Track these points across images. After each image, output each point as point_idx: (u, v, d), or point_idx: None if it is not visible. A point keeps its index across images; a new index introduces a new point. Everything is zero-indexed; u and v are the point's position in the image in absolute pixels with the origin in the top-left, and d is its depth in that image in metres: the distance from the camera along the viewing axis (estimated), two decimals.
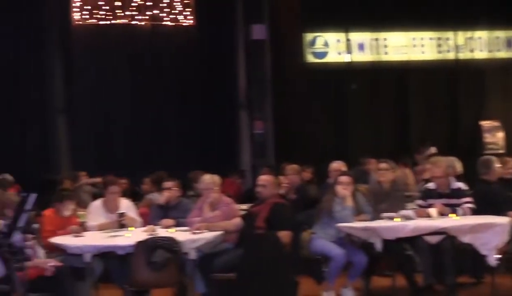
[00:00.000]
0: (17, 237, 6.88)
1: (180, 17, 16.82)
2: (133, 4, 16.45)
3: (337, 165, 10.50)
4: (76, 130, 16.04)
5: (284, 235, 8.03)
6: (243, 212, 8.86)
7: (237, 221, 8.44)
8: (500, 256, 8.03)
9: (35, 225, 7.91)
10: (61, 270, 7.40)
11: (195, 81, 16.55)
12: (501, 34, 18.31)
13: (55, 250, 8.06)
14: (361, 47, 17.93)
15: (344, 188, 8.57)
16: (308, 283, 8.50)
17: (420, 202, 8.79)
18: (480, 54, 18.22)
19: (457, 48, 18.04)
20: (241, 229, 8.37)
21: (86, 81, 16.21)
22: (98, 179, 11.88)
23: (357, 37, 17.88)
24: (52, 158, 15.78)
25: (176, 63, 16.56)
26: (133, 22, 16.53)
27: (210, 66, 16.42)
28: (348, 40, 17.77)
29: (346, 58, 17.84)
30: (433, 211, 8.35)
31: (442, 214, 8.35)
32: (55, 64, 15.94)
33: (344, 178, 8.71)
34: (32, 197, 6.80)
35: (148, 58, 16.47)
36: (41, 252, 7.81)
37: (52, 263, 7.46)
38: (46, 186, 11.84)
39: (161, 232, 8.14)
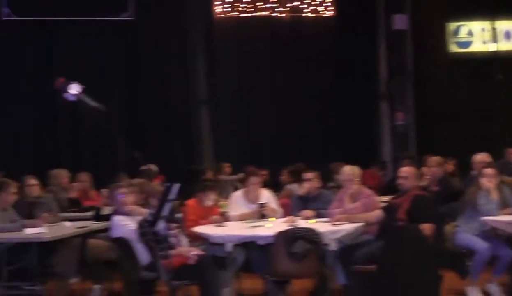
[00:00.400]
0: (161, 225, 7.05)
1: (321, 8, 16.78)
2: None
3: (481, 157, 10.18)
4: (219, 121, 16.30)
5: (426, 228, 7.86)
6: (383, 204, 8.75)
7: (377, 213, 8.33)
8: None
9: (179, 215, 8.08)
10: (203, 259, 7.52)
11: (336, 72, 16.48)
12: None
13: (197, 239, 8.21)
14: (507, 35, 17.34)
15: (488, 180, 8.32)
16: (452, 278, 8.30)
17: None
18: None
19: None
20: (382, 221, 8.26)
21: (228, 72, 16.45)
22: (240, 176, 12.02)
23: (503, 25, 17.31)
24: (195, 148, 16.11)
25: (317, 54, 16.55)
26: (274, 14, 16.63)
27: (350, 57, 16.30)
28: (493, 28, 17.23)
29: (491, 47, 17.30)
30: None
31: None
32: (198, 56, 16.26)
33: (488, 170, 8.46)
34: (176, 187, 6.95)
35: (288, 50, 16.51)
36: (184, 241, 7.97)
37: (195, 252, 7.60)
38: (189, 176, 12.07)
39: (302, 223, 8.15)
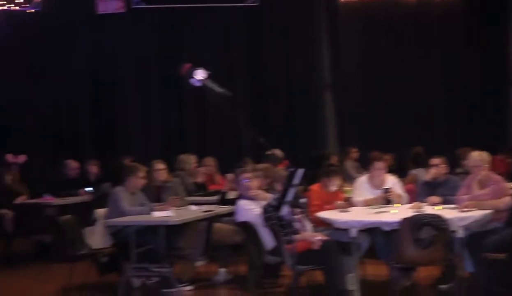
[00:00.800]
0: (285, 210, 7.08)
1: None
2: None
3: None
4: (343, 106, 16.21)
5: None
6: None
7: (507, 200, 8.08)
8: None
9: (303, 200, 8.08)
10: (327, 244, 7.50)
11: (463, 55, 16.09)
12: None
13: (321, 224, 8.19)
14: None
15: None
16: None
17: None
18: None
19: None
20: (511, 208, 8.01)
21: (353, 56, 16.31)
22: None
23: None
24: (319, 133, 16.07)
25: (443, 36, 16.19)
26: None
27: (478, 38, 15.87)
28: None
29: None
30: None
31: None
32: (322, 40, 16.19)
33: None
34: (300, 172, 6.96)
35: (413, 32, 16.23)
36: (308, 226, 7.97)
37: (319, 237, 7.58)
38: (313, 161, 12.07)
39: (428, 209, 8.01)
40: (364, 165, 11.70)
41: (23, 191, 12.36)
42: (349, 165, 13.14)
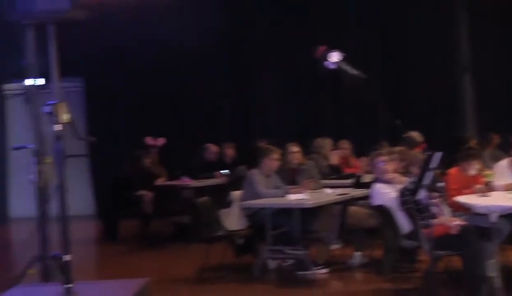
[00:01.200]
0: (422, 194, 6.95)
1: None
2: None
3: None
4: (482, 88, 15.72)
5: None
6: None
7: None
8: None
9: (441, 184, 7.91)
10: (466, 229, 7.31)
11: None
12: None
13: (460, 209, 7.99)
14: None
15: None
16: None
17: None
18: None
19: None
20: None
21: (493, 38, 15.79)
22: None
23: None
24: (458, 116, 15.68)
25: None
26: None
27: None
28: None
29: None
30: None
31: None
32: (461, 21, 15.75)
33: None
34: (437, 155, 6.82)
35: None
36: (446, 210, 7.80)
37: (457, 221, 7.41)
38: (452, 144, 11.78)
39: None
40: (505, 149, 11.31)
41: (161, 173, 12.69)
42: (488, 154, 12.64)
